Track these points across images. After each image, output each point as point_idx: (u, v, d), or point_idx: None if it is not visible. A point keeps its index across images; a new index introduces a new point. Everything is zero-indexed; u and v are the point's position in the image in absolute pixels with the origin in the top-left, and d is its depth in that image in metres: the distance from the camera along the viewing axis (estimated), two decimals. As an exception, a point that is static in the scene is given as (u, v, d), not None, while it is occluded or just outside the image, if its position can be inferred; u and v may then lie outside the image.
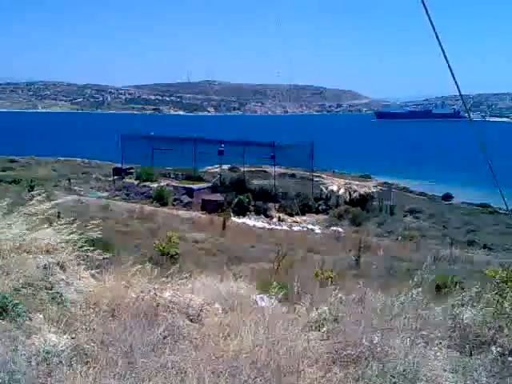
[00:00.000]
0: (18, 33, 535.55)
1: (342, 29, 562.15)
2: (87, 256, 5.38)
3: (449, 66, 4.36)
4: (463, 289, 10.18)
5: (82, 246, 5.39)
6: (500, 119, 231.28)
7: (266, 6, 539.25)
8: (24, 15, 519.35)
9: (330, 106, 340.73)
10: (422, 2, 3.72)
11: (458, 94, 5.09)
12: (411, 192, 42.06)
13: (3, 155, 46.61)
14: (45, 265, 4.75)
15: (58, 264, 4.94)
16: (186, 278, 6.27)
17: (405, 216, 32.95)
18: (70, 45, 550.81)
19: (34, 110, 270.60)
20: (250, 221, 27.47)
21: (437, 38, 4.09)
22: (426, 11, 3.79)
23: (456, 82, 4.59)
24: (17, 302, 3.83)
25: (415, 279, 11.92)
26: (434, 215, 32.69)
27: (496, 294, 8.07)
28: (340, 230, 26.13)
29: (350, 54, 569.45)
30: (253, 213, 30.47)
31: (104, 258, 5.61)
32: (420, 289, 7.33)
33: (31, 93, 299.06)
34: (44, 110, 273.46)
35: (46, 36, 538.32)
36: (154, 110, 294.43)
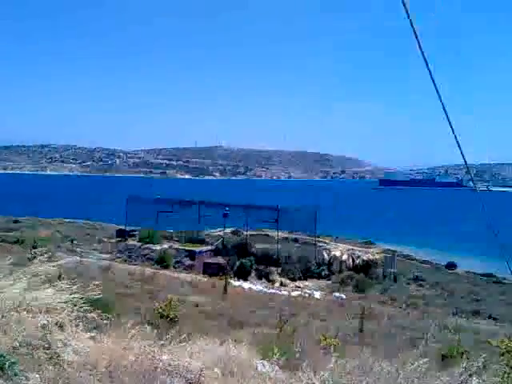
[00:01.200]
0: (30, 96, 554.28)
1: (348, 97, 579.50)
2: (86, 317, 5.36)
3: (454, 135, 4.51)
4: (469, 359, 9.94)
5: (81, 307, 5.38)
6: (504, 189, 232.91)
7: (270, 71, 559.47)
8: (35, 81, 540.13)
9: (334, 173, 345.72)
10: (430, 74, 3.93)
11: (461, 163, 5.22)
12: (415, 259, 41.78)
13: (8, 215, 47.02)
14: (44, 324, 4.74)
15: (56, 324, 4.93)
16: (186, 341, 6.20)
17: (408, 284, 32.54)
18: (81, 109, 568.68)
19: (44, 173, 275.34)
20: (252, 285, 27.15)
21: (444, 109, 4.26)
22: (434, 83, 3.99)
23: (461, 151, 4.73)
24: (14, 360, 3.81)
25: (420, 348, 11.67)
26: (438, 284, 32.28)
27: (503, 364, 7.89)
28: (343, 296, 25.75)
29: (354, 122, 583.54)
30: (255, 277, 30.21)
31: (103, 320, 5.59)
32: (426, 359, 7.18)
33: (41, 156, 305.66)
34: (53, 173, 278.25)
35: (57, 100, 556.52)
36: (161, 173, 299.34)
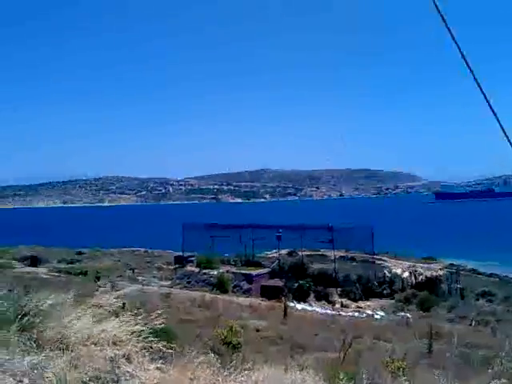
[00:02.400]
0: (83, 133, 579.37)
1: (397, 110, 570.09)
2: (151, 347, 5.38)
3: (509, 142, 4.31)
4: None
5: (146, 337, 5.40)
6: None
7: (315, 91, 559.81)
8: (86, 115, 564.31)
9: (386, 189, 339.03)
10: (479, 86, 3.77)
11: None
12: (480, 274, 39.84)
13: (71, 248, 48.89)
14: (111, 357, 4.78)
15: (123, 356, 4.95)
16: (249, 369, 6.09)
17: (477, 299, 31.03)
18: (134, 142, 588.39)
19: (101, 204, 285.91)
20: (312, 307, 26.74)
21: (495, 117, 4.09)
22: (484, 96, 3.83)
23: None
24: (85, 395, 3.83)
25: (495, 368, 10.99)
26: (509, 298, 30.58)
27: None
28: (408, 315, 24.84)
29: (405, 135, 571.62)
30: (314, 298, 29.74)
31: (168, 349, 5.58)
32: (502, 379, 6.76)
33: (98, 188, 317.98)
34: (110, 204, 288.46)
35: (110, 135, 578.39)
36: (213, 198, 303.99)
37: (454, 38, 3.63)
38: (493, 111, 4.07)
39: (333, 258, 34.64)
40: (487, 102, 3.97)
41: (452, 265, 38.48)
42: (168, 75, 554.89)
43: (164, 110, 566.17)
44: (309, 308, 26.05)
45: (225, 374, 5.47)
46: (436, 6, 3.47)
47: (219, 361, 5.80)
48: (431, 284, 32.25)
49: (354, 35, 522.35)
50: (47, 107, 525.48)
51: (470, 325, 23.01)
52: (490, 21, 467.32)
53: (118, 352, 4.90)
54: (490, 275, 39.32)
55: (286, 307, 20.37)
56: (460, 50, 3.69)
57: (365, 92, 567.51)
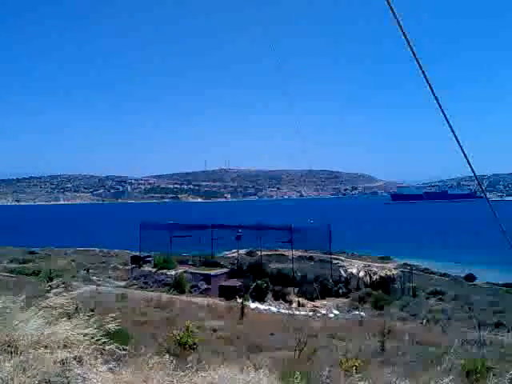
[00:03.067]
0: (39, 129, 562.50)
1: (354, 113, 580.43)
2: (104, 349, 5.32)
3: (461, 148, 4.51)
4: (495, 374, 9.70)
5: (99, 339, 5.35)
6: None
7: (277, 87, 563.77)
8: (43, 111, 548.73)
9: (345, 189, 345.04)
10: (430, 88, 3.93)
11: (473, 174, 5.20)
12: (433, 273, 41.19)
13: (24, 247, 47.41)
14: (62, 360, 4.71)
15: (75, 359, 4.89)
16: (205, 369, 6.11)
17: (428, 298, 32.02)
18: (90, 138, 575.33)
19: (57, 203, 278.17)
20: (269, 306, 26.91)
21: (448, 122, 4.26)
22: (435, 97, 3.99)
23: (469, 163, 4.72)
24: (33, 400, 3.77)
25: (444, 365, 11.40)
26: (459, 297, 31.74)
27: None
28: (362, 314, 25.38)
29: (362, 137, 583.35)
30: (271, 298, 29.94)
31: (121, 351, 5.54)
32: (451, 377, 7.03)
33: (53, 186, 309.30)
34: (66, 203, 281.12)
35: (67, 131, 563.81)
36: (172, 198, 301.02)
37: (408, 42, 3.77)
38: (445, 116, 4.25)
39: (291, 257, 34.98)
40: (439, 105, 4.14)
41: (406, 264, 39.58)
42: (130, 71, 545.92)
43: (124, 106, 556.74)
44: (266, 308, 26.21)
45: (180, 374, 5.47)
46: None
47: (174, 362, 5.79)
48: (385, 283, 33.05)
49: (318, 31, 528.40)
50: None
51: (421, 323, 23.73)
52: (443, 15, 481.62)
53: (69, 355, 4.82)
54: (443, 275, 40.71)
55: (243, 307, 20.44)
56: (413, 50, 3.84)
57: (326, 92, 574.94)
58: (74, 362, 4.87)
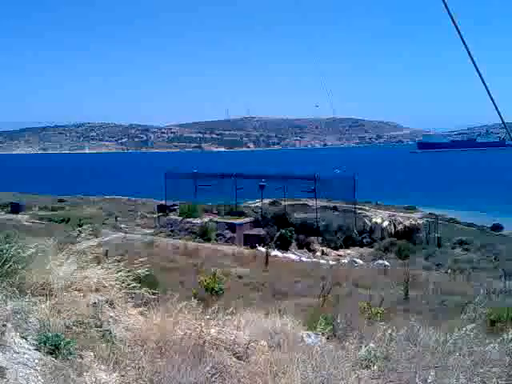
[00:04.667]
0: (62, 77, 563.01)
1: (382, 59, 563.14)
2: (135, 293, 5.44)
3: (489, 94, 4.30)
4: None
5: (129, 284, 5.45)
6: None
7: (300, 37, 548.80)
8: (67, 61, 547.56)
9: (370, 138, 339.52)
10: (460, 37, 3.71)
11: (502, 122, 4.99)
12: (459, 223, 40.80)
13: (53, 195, 48.55)
14: (94, 303, 4.83)
15: (107, 302, 5.01)
16: (231, 314, 6.23)
17: (453, 248, 31.92)
18: (115, 87, 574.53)
19: (82, 152, 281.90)
20: (293, 255, 27.24)
21: (476, 69, 4.05)
22: (465, 46, 3.78)
23: (498, 110, 4.52)
24: (68, 340, 3.89)
25: (468, 314, 11.43)
26: (485, 246, 31.50)
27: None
28: (386, 263, 25.51)
29: (388, 85, 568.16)
30: (295, 247, 30.27)
31: (151, 295, 5.65)
32: (474, 324, 7.00)
33: (78, 135, 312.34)
34: (91, 151, 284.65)
35: (91, 80, 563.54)
36: (195, 147, 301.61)
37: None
38: (474, 63, 4.03)
39: (315, 207, 35.03)
40: (468, 53, 3.92)
41: (431, 214, 39.27)
42: (154, 21, 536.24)
43: (148, 55, 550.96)
44: (290, 256, 26.54)
45: (207, 318, 5.59)
46: None
47: (201, 306, 5.91)
48: (410, 233, 32.98)
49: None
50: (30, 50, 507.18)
51: (446, 272, 23.74)
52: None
53: (100, 298, 4.95)
54: (469, 225, 40.30)
55: (267, 255, 20.73)
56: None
57: (350, 42, 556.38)
58: (106, 305, 5.00)
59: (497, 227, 39.11)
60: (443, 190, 68.26)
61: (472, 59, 3.97)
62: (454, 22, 3.71)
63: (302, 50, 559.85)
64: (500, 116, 4.70)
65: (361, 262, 26.93)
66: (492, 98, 4.34)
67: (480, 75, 4.12)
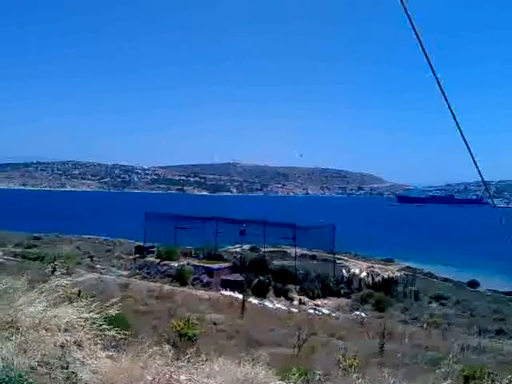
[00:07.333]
0: (48, 114, 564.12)
1: (366, 115, 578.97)
2: (105, 335, 5.33)
3: (470, 152, 4.46)
4: (494, 380, 9.65)
5: (100, 325, 5.35)
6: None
7: (287, 84, 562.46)
8: (53, 100, 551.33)
9: (351, 189, 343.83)
10: (443, 94, 3.89)
11: (480, 180, 5.15)
12: (436, 278, 41.09)
13: (28, 232, 47.65)
14: (62, 343, 4.72)
15: (75, 343, 4.91)
16: (204, 361, 6.12)
17: (430, 302, 31.99)
18: (101, 127, 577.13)
19: (63, 189, 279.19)
20: (270, 303, 26.92)
21: (459, 129, 4.22)
22: (448, 105, 3.96)
23: (478, 167, 4.68)
24: (31, 381, 3.78)
25: (443, 369, 11.38)
26: (460, 302, 31.66)
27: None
28: (363, 314, 25.36)
29: (371, 138, 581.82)
30: (273, 294, 29.97)
31: (121, 338, 5.55)
32: (448, 380, 7.00)
33: (60, 172, 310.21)
34: (72, 189, 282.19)
35: (76, 119, 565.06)
36: (178, 189, 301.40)
37: (423, 48, 3.73)
38: (455, 120, 4.21)
39: (294, 255, 34.97)
40: (451, 112, 4.10)
41: (409, 267, 39.50)
42: (138, 63, 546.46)
43: (134, 97, 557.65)
44: (267, 304, 26.22)
45: (178, 364, 5.47)
46: (407, 13, 3.55)
47: (173, 352, 5.79)
48: (387, 285, 32.99)
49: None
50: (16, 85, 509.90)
51: (422, 327, 23.66)
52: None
53: (69, 338, 4.84)
54: (445, 280, 40.61)
55: (244, 302, 20.47)
56: (428, 60, 3.80)
57: (335, 93, 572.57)
58: (74, 346, 4.89)
59: (473, 283, 39.46)
60: (421, 245, 68.89)
61: (454, 118, 4.14)
62: (440, 86, 3.89)
63: (287, 102, 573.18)
64: (480, 174, 4.84)
65: (338, 312, 26.72)
66: (472, 156, 4.49)
67: (461, 133, 4.28)
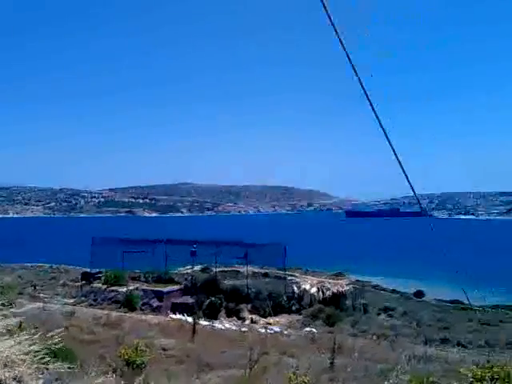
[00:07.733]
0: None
1: (312, 133, 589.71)
2: (47, 369, 5.22)
3: (402, 169, 4.75)
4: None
5: (42, 358, 5.23)
6: (466, 216, 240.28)
7: (238, 102, 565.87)
8: None
9: (301, 206, 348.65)
10: (374, 113, 4.15)
11: (424, 193, 5.47)
12: (384, 290, 42.12)
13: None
14: (0, 380, 4.59)
15: (14, 379, 4.77)
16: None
17: (378, 314, 32.73)
18: (45, 150, 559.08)
19: (5, 216, 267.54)
20: (222, 324, 26.79)
21: (391, 147, 4.49)
22: (380, 124, 4.22)
23: (411, 185, 4.98)
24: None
25: (391, 380, 11.73)
26: (407, 313, 32.60)
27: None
28: (314, 330, 25.64)
29: (314, 157, 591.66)
30: (224, 315, 29.82)
31: (66, 370, 5.44)
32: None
33: (2, 198, 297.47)
34: (15, 216, 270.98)
35: (21, 140, 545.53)
36: (127, 212, 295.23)
37: (355, 72, 3.97)
38: (389, 142, 4.49)
39: (246, 274, 35.00)
40: (384, 132, 4.37)
41: (358, 281, 40.34)
42: (87, 87, 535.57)
43: (79, 121, 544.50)
44: (218, 325, 26.07)
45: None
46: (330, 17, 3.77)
47: (121, 382, 5.74)
48: (337, 299, 33.54)
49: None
50: None
51: (371, 339, 24.21)
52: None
53: (7, 374, 4.71)
54: (393, 291, 41.70)
55: (194, 325, 20.27)
56: (360, 81, 4.05)
57: (278, 110, 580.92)
58: (14, 382, 4.76)
59: (419, 294, 40.70)
60: (369, 257, 70.60)
61: (388, 140, 4.39)
62: (379, 122, 4.14)
63: (232, 118, 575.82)
64: (413, 190, 5.14)
65: (289, 329, 26.88)
66: (406, 174, 4.78)
67: (395, 154, 4.54)
